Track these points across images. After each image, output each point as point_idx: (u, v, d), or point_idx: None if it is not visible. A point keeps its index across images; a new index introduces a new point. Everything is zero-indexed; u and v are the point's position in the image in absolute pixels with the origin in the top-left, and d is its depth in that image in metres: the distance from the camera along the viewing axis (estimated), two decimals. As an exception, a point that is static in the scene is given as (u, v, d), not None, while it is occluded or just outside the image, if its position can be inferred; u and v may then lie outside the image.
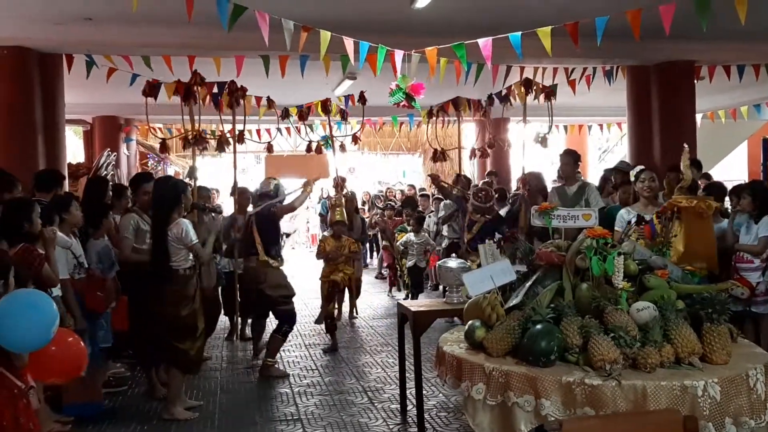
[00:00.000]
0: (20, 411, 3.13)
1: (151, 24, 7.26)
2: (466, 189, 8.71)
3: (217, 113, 7.94)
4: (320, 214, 11.17)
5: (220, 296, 7.57)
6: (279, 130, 11.66)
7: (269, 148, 9.84)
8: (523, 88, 8.37)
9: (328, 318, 7.43)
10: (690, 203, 4.79)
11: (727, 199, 6.59)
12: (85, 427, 5.07)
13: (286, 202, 6.78)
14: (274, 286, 6.45)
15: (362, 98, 8.86)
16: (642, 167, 5.88)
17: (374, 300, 10.51)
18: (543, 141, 8.84)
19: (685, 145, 5.04)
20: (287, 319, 6.51)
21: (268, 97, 9.00)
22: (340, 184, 9.26)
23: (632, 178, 5.83)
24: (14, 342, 3.01)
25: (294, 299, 6.65)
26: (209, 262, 6.53)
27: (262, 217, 6.53)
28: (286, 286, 6.56)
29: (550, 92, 8.49)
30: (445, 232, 10.17)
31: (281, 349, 7.38)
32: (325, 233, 10.14)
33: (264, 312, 6.90)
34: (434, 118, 9.56)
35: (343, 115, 9.81)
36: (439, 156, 9.33)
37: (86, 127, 14.30)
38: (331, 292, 7.55)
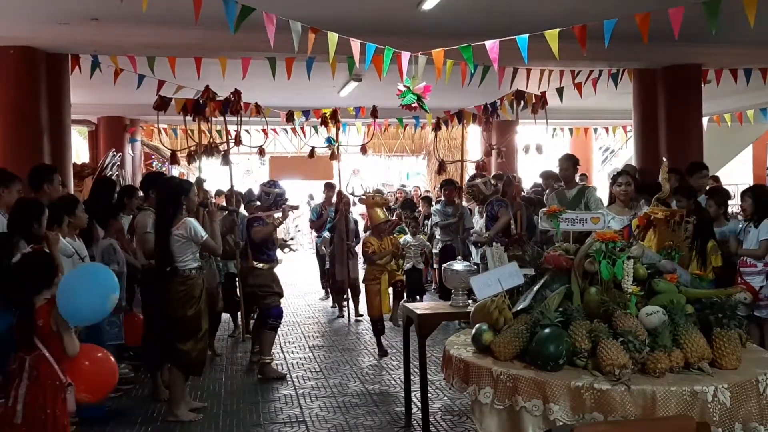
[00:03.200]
0: (59, 405, 3.21)
1: (158, 25, 7.25)
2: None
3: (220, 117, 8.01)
4: (310, 220, 11.15)
5: (220, 293, 7.64)
6: (285, 131, 11.68)
7: (261, 152, 9.87)
8: (514, 100, 8.52)
9: (378, 322, 7.22)
10: (663, 215, 4.80)
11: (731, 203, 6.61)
12: (89, 428, 5.05)
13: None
14: (258, 284, 6.64)
15: (374, 112, 8.99)
16: (619, 170, 5.94)
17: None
18: (538, 148, 9.01)
19: (664, 158, 5.07)
20: (272, 313, 6.59)
21: (256, 103, 8.98)
22: (341, 196, 9.30)
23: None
24: (76, 313, 3.16)
25: (282, 299, 6.77)
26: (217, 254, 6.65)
27: (247, 229, 6.78)
28: (270, 285, 6.67)
29: (542, 100, 8.57)
30: (438, 235, 10.18)
31: (285, 351, 7.40)
32: (325, 235, 10.17)
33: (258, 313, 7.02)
34: (441, 129, 9.66)
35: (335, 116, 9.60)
36: (443, 169, 9.46)
37: (91, 127, 14.31)
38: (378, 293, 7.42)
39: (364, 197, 7.91)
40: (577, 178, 7.41)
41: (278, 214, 6.88)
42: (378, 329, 7.24)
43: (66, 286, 3.38)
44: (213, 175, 11.52)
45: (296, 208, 7.52)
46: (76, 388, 3.49)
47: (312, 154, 9.96)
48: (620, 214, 5.54)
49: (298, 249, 10.14)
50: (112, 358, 3.75)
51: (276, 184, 7.07)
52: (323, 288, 11.05)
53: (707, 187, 7.00)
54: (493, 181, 8.31)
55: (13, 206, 4.68)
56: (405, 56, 5.66)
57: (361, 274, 7.97)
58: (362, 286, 7.79)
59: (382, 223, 7.34)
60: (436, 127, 9.59)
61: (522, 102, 8.74)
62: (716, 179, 9.25)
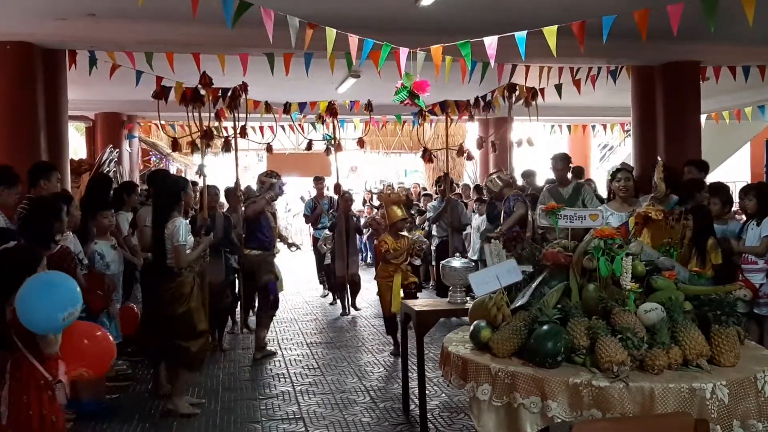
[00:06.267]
0: (45, 403, 3.18)
1: (156, 21, 7.22)
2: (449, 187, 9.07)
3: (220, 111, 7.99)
4: (305, 215, 11.13)
5: (234, 289, 7.77)
6: (282, 127, 11.65)
7: (269, 149, 9.83)
8: (506, 92, 8.51)
9: (390, 320, 7.06)
10: (658, 216, 4.85)
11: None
12: (87, 423, 5.05)
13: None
14: (251, 264, 6.99)
15: (369, 106, 8.99)
16: (618, 166, 5.93)
17: (376, 299, 10.46)
18: (529, 141, 8.99)
19: (659, 158, 5.07)
20: (269, 288, 6.92)
21: (266, 102, 9.02)
22: (340, 192, 9.28)
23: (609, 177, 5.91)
24: (35, 321, 3.09)
25: (280, 289, 7.20)
26: (215, 260, 6.71)
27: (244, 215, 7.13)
28: (262, 265, 6.98)
29: (534, 94, 8.55)
30: (434, 232, 10.20)
31: (283, 348, 7.41)
32: (325, 233, 10.15)
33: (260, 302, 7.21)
34: (427, 118, 9.70)
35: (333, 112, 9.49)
36: (427, 156, 9.45)
37: (89, 123, 14.26)
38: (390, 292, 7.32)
39: (382, 194, 7.85)
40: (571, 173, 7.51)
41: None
42: (391, 327, 7.10)
43: (24, 290, 3.20)
44: (214, 170, 11.54)
45: (284, 184, 7.64)
46: (76, 365, 3.46)
47: (309, 146, 9.95)
48: (619, 211, 5.55)
49: (301, 247, 9.94)
50: (110, 337, 3.75)
51: (274, 175, 7.21)
52: (321, 283, 11.08)
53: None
54: (506, 176, 8.10)
55: (30, 206, 4.61)
56: (403, 52, 5.65)
57: (369, 271, 7.99)
58: (372, 282, 7.85)
59: (400, 221, 7.22)
60: (420, 116, 9.62)
61: (514, 95, 8.69)
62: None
